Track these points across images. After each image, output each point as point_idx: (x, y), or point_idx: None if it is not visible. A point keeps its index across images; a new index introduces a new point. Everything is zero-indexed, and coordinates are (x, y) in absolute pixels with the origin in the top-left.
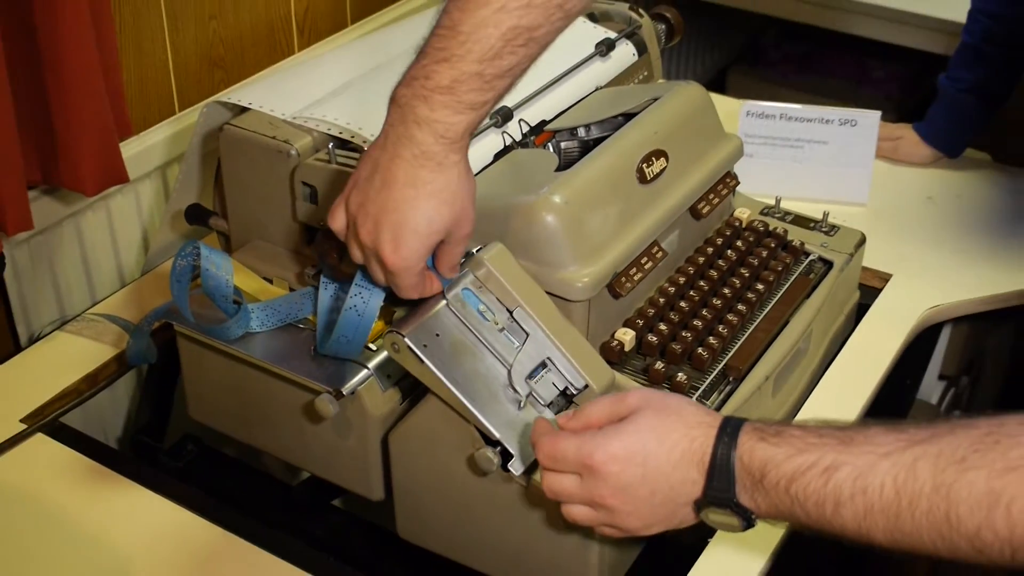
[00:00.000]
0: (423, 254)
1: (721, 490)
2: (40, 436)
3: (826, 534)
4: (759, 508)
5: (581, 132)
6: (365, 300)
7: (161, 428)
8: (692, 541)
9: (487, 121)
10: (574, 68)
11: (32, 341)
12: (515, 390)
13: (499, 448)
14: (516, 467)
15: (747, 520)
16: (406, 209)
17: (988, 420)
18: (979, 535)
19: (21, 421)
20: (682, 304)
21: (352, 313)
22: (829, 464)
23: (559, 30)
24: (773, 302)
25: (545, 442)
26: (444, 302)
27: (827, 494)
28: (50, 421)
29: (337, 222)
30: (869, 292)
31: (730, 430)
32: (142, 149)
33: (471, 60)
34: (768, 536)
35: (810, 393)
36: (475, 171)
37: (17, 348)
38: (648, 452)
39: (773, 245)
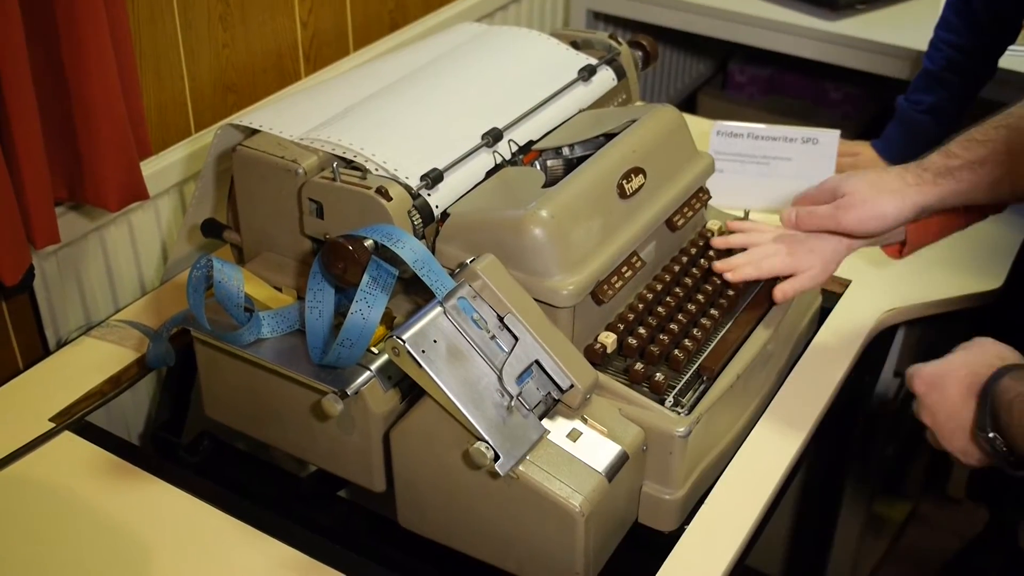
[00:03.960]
0: None
1: None
2: (67, 434)
3: None
4: None
5: (565, 151)
6: (370, 305)
7: (179, 425)
8: (671, 530)
9: (479, 141)
10: (559, 92)
11: (60, 345)
12: (506, 391)
13: None
14: (503, 467)
15: None
16: None
17: None
18: None
19: (50, 420)
20: (659, 309)
21: (357, 317)
22: None
23: None
24: (743, 307)
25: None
26: (441, 310)
27: None
28: (76, 420)
29: None
30: (830, 297)
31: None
32: (161, 168)
33: None
34: (739, 524)
35: (777, 391)
36: (468, 188)
37: (46, 352)
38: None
39: None
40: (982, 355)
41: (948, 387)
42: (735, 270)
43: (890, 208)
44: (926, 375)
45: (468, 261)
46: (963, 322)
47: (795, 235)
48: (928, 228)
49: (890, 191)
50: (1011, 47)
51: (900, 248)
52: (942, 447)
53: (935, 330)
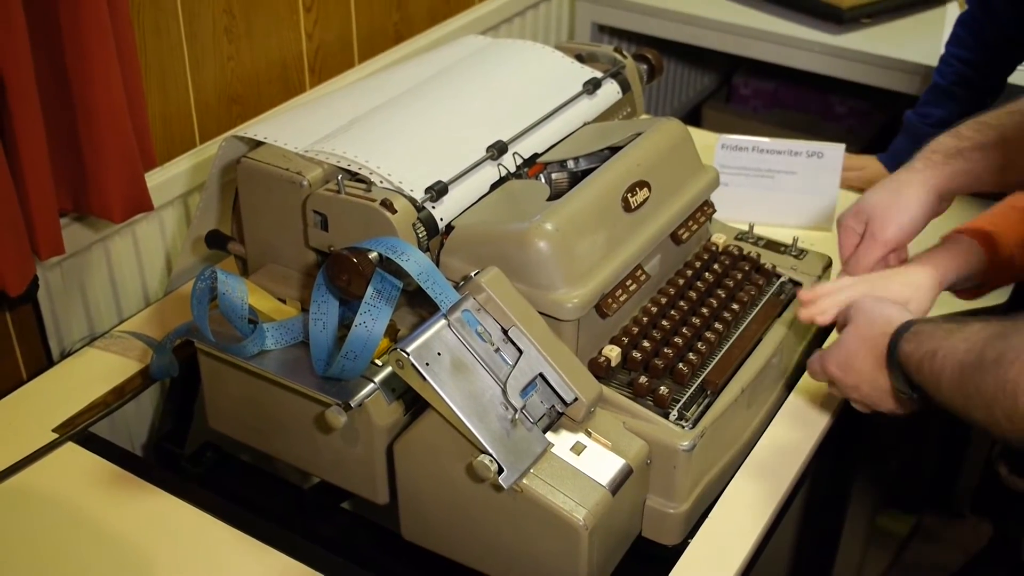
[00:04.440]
0: None
1: None
2: (71, 445)
3: None
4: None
5: (570, 164)
6: (374, 318)
7: (183, 437)
8: (675, 544)
9: (484, 154)
10: (564, 105)
11: (63, 356)
12: (510, 404)
13: None
14: (506, 480)
15: None
16: None
17: None
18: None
19: (53, 431)
20: (664, 323)
21: (362, 330)
22: None
23: None
24: (747, 321)
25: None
26: (445, 322)
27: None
28: (80, 431)
29: None
30: None
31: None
32: (166, 179)
33: None
34: (743, 538)
35: (781, 405)
36: (472, 200)
37: (50, 363)
38: None
39: (747, 268)
40: (870, 327)
41: (857, 364)
42: (825, 313)
43: (912, 200)
44: (836, 359)
45: (472, 274)
46: None
47: (881, 273)
48: (1007, 268)
49: (905, 184)
50: (1021, 65)
51: (974, 292)
52: (875, 411)
53: None
